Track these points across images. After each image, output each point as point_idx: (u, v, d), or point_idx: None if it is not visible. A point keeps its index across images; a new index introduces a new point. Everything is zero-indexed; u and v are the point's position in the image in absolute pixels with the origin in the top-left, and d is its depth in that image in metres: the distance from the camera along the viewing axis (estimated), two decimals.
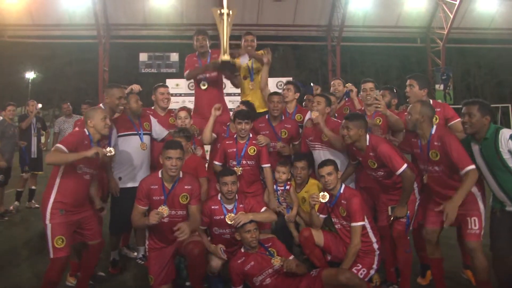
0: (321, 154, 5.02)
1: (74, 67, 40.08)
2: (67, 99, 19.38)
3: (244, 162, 4.94)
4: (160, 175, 4.25)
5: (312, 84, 6.87)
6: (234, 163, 4.96)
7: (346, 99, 6.20)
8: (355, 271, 4.08)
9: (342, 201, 4.27)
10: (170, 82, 12.34)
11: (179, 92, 13.39)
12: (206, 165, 5.37)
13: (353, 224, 4.15)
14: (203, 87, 5.93)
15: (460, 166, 3.70)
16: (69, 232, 3.91)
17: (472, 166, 3.66)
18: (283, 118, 5.44)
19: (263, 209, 4.39)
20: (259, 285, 4.03)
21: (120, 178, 4.98)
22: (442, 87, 20.23)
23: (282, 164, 5.00)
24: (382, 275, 4.51)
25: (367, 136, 4.27)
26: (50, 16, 18.04)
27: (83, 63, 36.69)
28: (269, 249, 4.18)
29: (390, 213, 4.28)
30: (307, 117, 5.50)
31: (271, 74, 9.77)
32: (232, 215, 4.26)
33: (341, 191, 4.33)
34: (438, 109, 4.38)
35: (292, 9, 19.13)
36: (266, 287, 4.01)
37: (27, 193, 8.77)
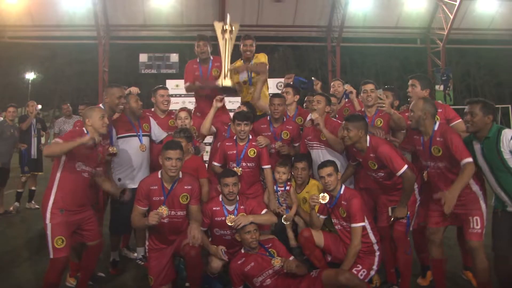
0: (319, 153, 5.03)
1: (74, 68, 40.04)
2: (67, 100, 19.44)
3: (244, 164, 4.94)
4: (159, 176, 4.25)
5: (313, 78, 6.87)
6: (234, 165, 4.96)
7: (346, 99, 6.20)
8: (355, 272, 4.09)
9: (342, 202, 4.27)
10: (170, 83, 12.32)
11: (179, 93, 13.37)
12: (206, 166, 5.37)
13: (353, 225, 4.16)
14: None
15: (458, 158, 3.72)
16: (69, 232, 3.90)
17: (470, 159, 3.69)
18: (284, 120, 5.45)
19: (263, 211, 4.40)
20: (259, 285, 4.04)
21: (119, 179, 4.99)
22: (442, 87, 20.20)
23: (282, 164, 5.00)
24: (382, 276, 4.52)
25: (368, 137, 4.27)
26: (50, 17, 18.02)
27: (83, 64, 36.66)
28: (269, 250, 4.19)
29: (390, 213, 4.29)
30: (308, 118, 5.52)
31: (271, 75, 9.78)
32: (233, 217, 4.26)
33: (341, 192, 4.33)
34: (439, 110, 4.38)
35: (292, 10, 19.10)
36: None
37: (27, 194, 8.77)
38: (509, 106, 21.69)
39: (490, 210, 3.90)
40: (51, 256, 3.81)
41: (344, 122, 4.34)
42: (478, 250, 3.82)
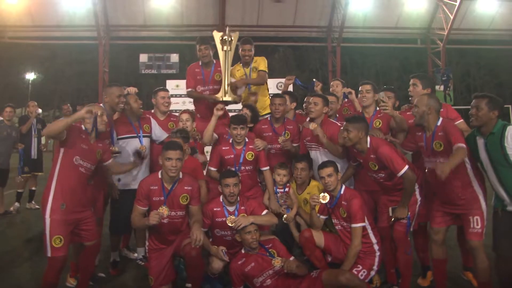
0: (318, 154, 5.03)
1: (74, 68, 40.11)
2: (67, 100, 19.48)
3: (242, 168, 4.92)
4: (159, 176, 4.25)
5: (314, 80, 6.87)
6: (233, 169, 4.90)
7: (346, 100, 6.20)
8: (356, 272, 4.08)
9: (343, 202, 4.27)
10: (170, 83, 12.34)
11: (180, 93, 13.38)
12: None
13: (354, 225, 4.15)
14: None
15: (453, 142, 3.73)
16: (68, 231, 3.89)
17: (464, 145, 3.70)
18: (285, 120, 5.45)
19: (264, 212, 4.40)
20: (259, 286, 4.04)
21: (119, 180, 4.99)
22: (442, 88, 20.18)
23: (282, 167, 5.00)
24: (383, 276, 4.51)
25: (368, 139, 4.27)
26: (50, 17, 18.03)
27: (83, 64, 36.73)
28: (270, 250, 4.19)
29: (390, 214, 4.28)
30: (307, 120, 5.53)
31: (271, 75, 9.77)
32: (233, 217, 4.26)
33: (342, 192, 4.33)
34: (441, 110, 4.38)
35: (292, 10, 19.11)
36: None
37: (27, 194, 8.78)
38: (510, 106, 21.65)
39: (490, 210, 3.90)
40: (48, 255, 3.80)
41: (344, 123, 4.34)
42: (479, 249, 3.83)
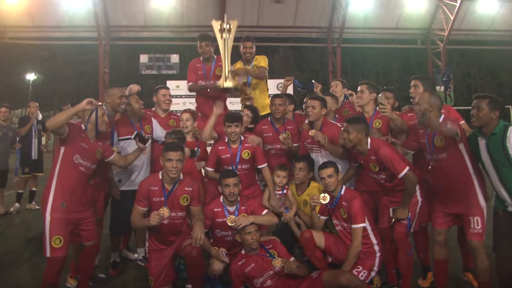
0: (319, 156, 5.04)
1: (74, 69, 40.12)
2: (67, 101, 19.48)
3: (239, 167, 4.90)
4: (160, 177, 4.24)
5: (313, 81, 6.88)
6: (232, 169, 4.89)
7: (346, 100, 6.20)
8: (356, 273, 4.07)
9: (343, 203, 4.27)
10: (170, 84, 12.37)
11: (180, 94, 13.41)
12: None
13: (354, 226, 4.15)
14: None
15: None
16: (67, 231, 3.89)
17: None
18: (285, 120, 5.46)
19: (264, 212, 4.40)
20: (259, 286, 4.04)
21: (119, 181, 4.99)
22: (442, 88, 20.16)
23: (282, 168, 5.01)
24: (383, 277, 4.51)
25: (369, 140, 4.27)
26: (50, 18, 18.02)
27: (83, 64, 36.72)
28: (270, 251, 4.19)
29: (391, 214, 4.28)
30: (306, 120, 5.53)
31: (272, 76, 9.77)
32: (233, 217, 4.25)
33: (342, 193, 4.33)
34: (442, 111, 4.39)
35: (293, 11, 19.10)
36: None
37: (27, 195, 8.77)
38: (510, 107, 21.65)
39: (491, 211, 3.90)
40: (48, 255, 3.80)
41: (345, 124, 4.34)
42: (479, 250, 3.83)
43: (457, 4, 18.34)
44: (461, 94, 39.26)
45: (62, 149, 3.99)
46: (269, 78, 6.65)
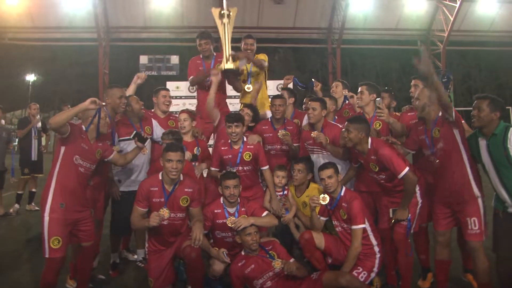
0: (320, 157, 5.03)
1: (74, 70, 40.17)
2: (67, 102, 19.42)
3: (240, 168, 4.89)
4: (160, 177, 4.24)
5: (313, 80, 6.88)
6: (233, 171, 4.90)
7: (347, 102, 6.20)
8: (356, 274, 4.07)
9: (343, 204, 4.26)
10: (170, 85, 12.35)
11: (180, 95, 13.40)
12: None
13: (354, 227, 4.15)
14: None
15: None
16: (66, 232, 3.88)
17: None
18: (285, 120, 5.46)
19: (264, 213, 4.39)
20: None
21: (119, 181, 4.99)
22: None
23: (281, 169, 5.00)
24: (383, 278, 4.50)
25: (369, 140, 4.28)
26: (50, 19, 18.03)
27: (83, 65, 36.76)
28: (270, 252, 4.18)
29: (391, 215, 4.28)
30: (304, 121, 5.53)
31: (271, 77, 9.78)
32: (233, 218, 4.25)
33: (342, 193, 4.32)
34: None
35: (293, 12, 19.12)
36: None
37: (27, 196, 8.77)
38: (510, 108, 21.65)
39: (491, 212, 3.90)
40: (46, 256, 3.79)
41: (346, 123, 4.35)
42: (479, 250, 3.84)
43: (457, 5, 18.36)
44: (461, 95, 39.28)
45: (63, 149, 3.99)
46: (269, 79, 6.66)
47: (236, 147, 4.93)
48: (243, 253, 4.23)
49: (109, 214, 5.19)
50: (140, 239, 5.28)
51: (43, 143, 9.48)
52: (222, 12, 5.37)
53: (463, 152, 3.98)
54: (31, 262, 5.43)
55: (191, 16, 18.62)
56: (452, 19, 18.85)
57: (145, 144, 4.61)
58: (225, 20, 5.36)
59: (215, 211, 4.41)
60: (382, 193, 4.49)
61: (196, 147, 5.22)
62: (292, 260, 4.15)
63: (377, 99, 4.75)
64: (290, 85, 7.64)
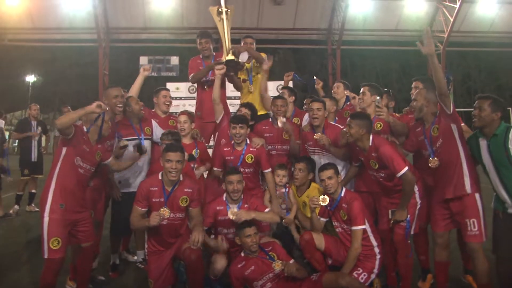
0: (320, 159, 5.06)
1: (74, 71, 40.18)
2: (67, 103, 19.43)
3: (241, 169, 4.87)
4: (160, 177, 4.25)
5: (315, 78, 6.89)
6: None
7: (348, 102, 6.20)
8: (356, 276, 4.07)
9: (343, 205, 4.26)
10: (170, 86, 12.30)
11: (179, 96, 13.40)
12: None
13: (354, 227, 4.15)
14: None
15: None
16: (65, 232, 3.88)
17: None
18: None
19: (267, 210, 4.41)
20: None
21: (120, 182, 4.99)
22: None
23: (281, 167, 5.00)
24: (383, 280, 4.50)
25: (371, 137, 4.28)
26: (50, 20, 18.01)
27: (83, 66, 36.76)
28: (270, 253, 4.18)
29: (390, 216, 4.28)
30: (304, 121, 5.53)
31: (271, 78, 9.77)
32: (235, 210, 4.25)
33: (342, 194, 4.33)
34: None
35: (293, 13, 19.10)
36: None
37: (27, 197, 8.76)
38: (510, 109, 21.64)
39: (491, 213, 3.89)
40: (45, 256, 3.79)
41: (348, 118, 4.37)
42: (478, 251, 3.84)
43: (457, 6, 18.35)
44: (460, 96, 39.32)
45: (64, 150, 3.98)
46: (269, 80, 6.65)
47: (239, 148, 4.94)
48: (242, 254, 4.22)
49: (109, 215, 5.19)
50: (140, 240, 5.28)
51: (43, 144, 9.48)
52: (220, 9, 5.41)
53: (460, 147, 3.99)
54: (30, 263, 5.42)
55: (191, 17, 18.61)
56: (452, 20, 18.85)
57: (141, 156, 4.74)
58: (223, 16, 5.41)
59: (218, 208, 4.43)
60: (382, 193, 4.50)
61: (195, 149, 5.22)
62: (292, 261, 4.15)
63: (376, 98, 4.75)
64: (290, 83, 7.65)
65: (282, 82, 8.19)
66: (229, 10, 5.45)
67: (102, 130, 4.25)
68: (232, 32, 5.59)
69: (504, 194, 3.69)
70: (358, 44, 22.61)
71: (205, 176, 5.36)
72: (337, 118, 5.56)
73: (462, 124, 4.43)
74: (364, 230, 4.19)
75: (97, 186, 4.59)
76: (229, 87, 6.30)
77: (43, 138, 9.45)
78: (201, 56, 5.96)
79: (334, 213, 4.40)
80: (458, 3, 18.25)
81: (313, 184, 4.94)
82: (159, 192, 4.19)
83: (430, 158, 4.17)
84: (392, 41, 21.62)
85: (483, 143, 3.82)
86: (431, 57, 3.84)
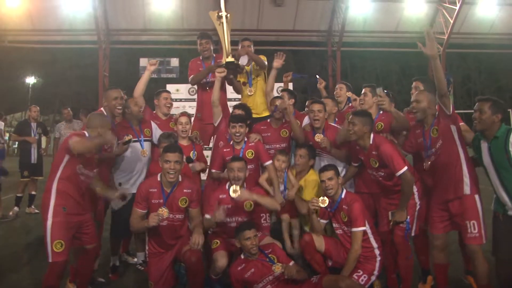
0: (321, 160, 5.07)
1: (74, 72, 40.13)
2: (67, 104, 19.44)
3: None
4: (159, 179, 4.25)
5: (317, 76, 6.89)
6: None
7: (349, 104, 6.20)
8: (356, 277, 4.06)
9: (343, 206, 4.26)
10: (170, 87, 12.33)
11: (179, 97, 13.38)
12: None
13: (354, 229, 4.14)
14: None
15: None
16: (69, 235, 3.87)
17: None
18: (284, 120, 5.46)
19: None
20: None
21: (120, 184, 4.98)
22: None
23: (282, 153, 5.03)
24: (383, 281, 4.49)
25: (371, 135, 4.29)
26: (50, 21, 18.01)
27: (83, 68, 36.73)
28: (269, 255, 4.17)
29: (390, 218, 4.27)
30: (304, 122, 5.53)
31: None
32: (237, 188, 4.27)
33: (343, 196, 4.32)
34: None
35: (292, 15, 19.11)
36: None
37: (27, 199, 8.75)
38: (510, 110, 21.63)
39: (491, 215, 3.89)
40: (50, 260, 3.78)
41: (351, 116, 4.38)
42: (478, 253, 3.84)
43: (457, 8, 18.36)
44: (460, 97, 39.34)
45: (67, 157, 3.95)
46: None
47: (238, 147, 4.98)
48: (242, 256, 4.22)
49: (109, 217, 5.18)
50: (140, 242, 5.28)
51: (43, 145, 9.47)
52: (220, 13, 5.43)
53: (459, 148, 3.99)
54: (30, 265, 5.42)
55: (191, 18, 18.62)
56: (452, 21, 18.85)
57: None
58: (223, 20, 5.43)
59: (220, 196, 4.45)
60: (382, 194, 4.50)
61: (192, 151, 5.22)
62: (292, 263, 4.15)
63: (377, 88, 4.76)
64: (290, 85, 7.65)
65: (282, 84, 8.19)
66: (228, 15, 5.46)
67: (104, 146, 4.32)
68: (232, 33, 5.61)
69: (504, 196, 3.69)
70: (358, 46, 22.61)
71: (204, 177, 5.34)
72: (337, 119, 5.56)
73: (462, 123, 4.44)
74: (365, 232, 4.18)
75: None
76: (229, 89, 6.30)
77: (43, 139, 9.44)
78: (201, 58, 5.98)
79: (334, 214, 4.39)
80: (458, 5, 18.26)
81: (311, 171, 4.96)
82: (158, 194, 4.20)
83: (425, 158, 4.19)
84: (392, 43, 21.61)
85: (484, 145, 3.83)
86: (433, 58, 3.82)
